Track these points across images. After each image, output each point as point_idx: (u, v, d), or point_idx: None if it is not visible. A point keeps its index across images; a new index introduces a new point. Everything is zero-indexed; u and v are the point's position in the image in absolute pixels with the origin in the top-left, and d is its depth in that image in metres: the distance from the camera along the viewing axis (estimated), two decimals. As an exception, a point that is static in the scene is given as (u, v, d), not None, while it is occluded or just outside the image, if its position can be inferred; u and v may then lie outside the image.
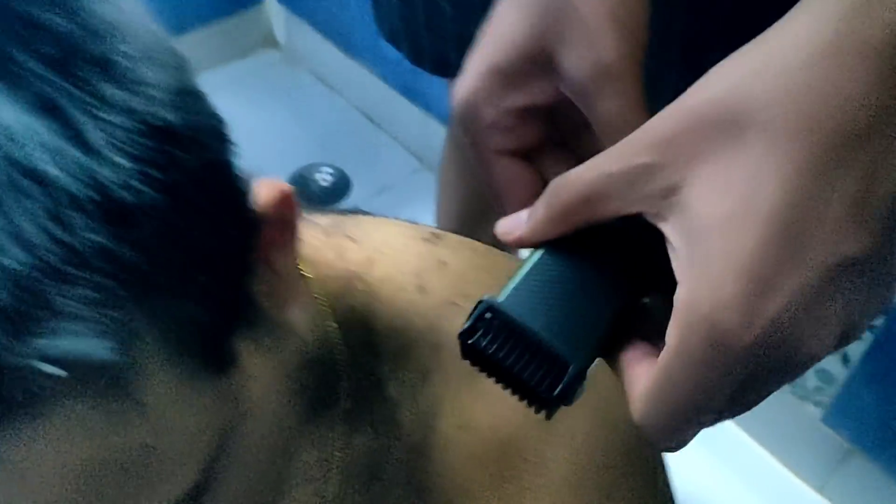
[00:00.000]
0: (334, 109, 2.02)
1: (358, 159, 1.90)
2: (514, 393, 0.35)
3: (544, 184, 0.41)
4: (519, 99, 0.39)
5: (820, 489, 1.41)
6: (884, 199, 0.28)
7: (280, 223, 0.37)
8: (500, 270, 0.51)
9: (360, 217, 0.53)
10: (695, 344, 0.29)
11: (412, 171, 1.90)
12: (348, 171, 1.86)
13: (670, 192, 0.31)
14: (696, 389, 0.30)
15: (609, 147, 0.37)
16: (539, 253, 0.36)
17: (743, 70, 0.30)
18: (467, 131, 0.41)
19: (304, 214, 0.51)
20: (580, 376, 0.33)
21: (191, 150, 0.31)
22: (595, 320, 0.35)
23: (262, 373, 0.37)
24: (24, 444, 0.27)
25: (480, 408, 0.47)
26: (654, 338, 0.35)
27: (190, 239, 0.30)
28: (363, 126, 1.99)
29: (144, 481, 0.31)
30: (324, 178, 1.85)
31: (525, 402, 0.35)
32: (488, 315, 0.34)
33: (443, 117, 1.76)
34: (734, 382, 0.30)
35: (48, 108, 0.27)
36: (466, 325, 0.34)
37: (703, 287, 0.29)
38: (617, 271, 0.35)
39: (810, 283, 0.28)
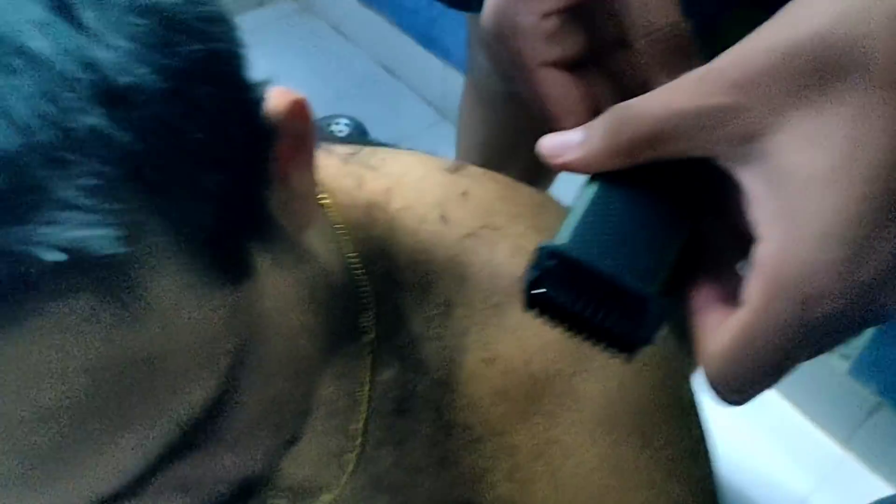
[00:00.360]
0: (351, 60, 2.00)
1: (375, 110, 1.88)
2: (588, 338, 0.33)
3: (592, 99, 0.38)
4: (554, 1, 0.37)
5: (846, 442, 1.40)
6: None
7: (294, 136, 0.35)
8: (525, 201, 0.49)
9: (378, 148, 0.51)
10: (781, 308, 0.28)
11: (430, 122, 1.88)
12: (365, 123, 1.84)
13: (751, 137, 0.28)
14: (778, 352, 0.29)
15: (641, 40, 0.34)
16: (592, 188, 0.34)
17: (845, 3, 0.27)
18: (506, 43, 0.38)
19: (322, 144, 0.50)
20: (660, 312, 0.31)
21: (190, 35, 0.29)
22: (662, 253, 0.32)
23: (280, 290, 0.35)
24: (25, 339, 0.25)
25: (509, 341, 0.46)
26: (718, 269, 0.33)
27: (192, 132, 0.29)
28: (381, 77, 1.97)
29: (156, 392, 0.29)
30: (340, 129, 1.83)
31: (602, 346, 0.33)
32: (551, 262, 0.32)
33: (462, 67, 1.73)
34: (815, 343, 0.29)
35: None
36: (531, 276, 0.32)
37: (795, 249, 0.27)
38: (675, 199, 0.33)
39: None
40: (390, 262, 0.47)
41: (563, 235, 0.32)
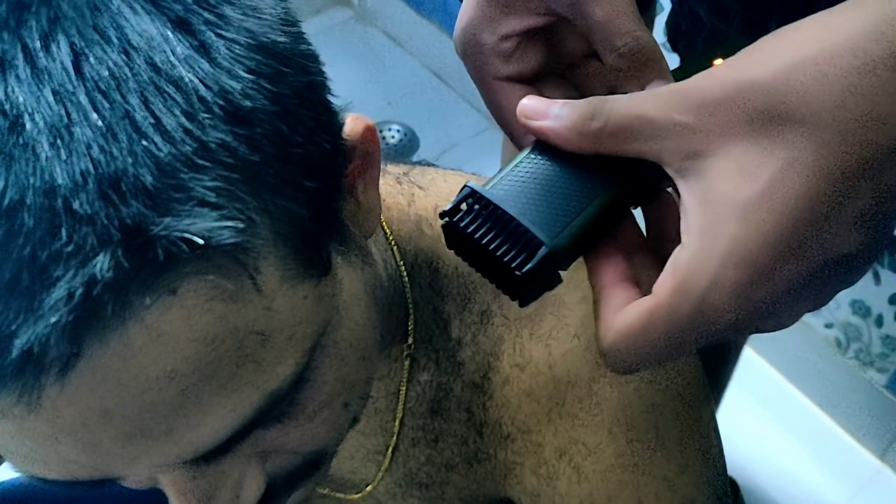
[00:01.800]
0: (404, 67, 2.04)
1: (426, 117, 1.92)
2: (494, 281, 0.37)
3: None
4: (514, 24, 0.40)
5: (882, 455, 1.40)
6: (887, 211, 0.30)
7: (364, 155, 0.40)
8: None
9: (428, 168, 0.56)
10: (683, 309, 0.32)
11: (479, 129, 1.91)
12: (416, 129, 1.89)
13: (696, 155, 0.32)
14: (671, 344, 0.33)
15: (609, 55, 0.37)
16: (530, 149, 0.37)
17: (799, 54, 0.30)
18: (469, 59, 0.42)
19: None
20: (552, 257, 0.34)
21: (294, 68, 0.35)
22: (575, 212, 0.35)
23: (350, 286, 0.40)
24: (163, 312, 0.31)
25: (538, 348, 0.49)
26: (632, 249, 0.37)
27: (294, 146, 0.34)
28: (432, 84, 2.01)
29: (258, 362, 0.34)
30: (392, 135, 1.88)
31: (505, 291, 0.36)
32: (470, 200, 0.36)
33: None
34: (702, 340, 0.33)
35: (181, 24, 0.32)
36: (448, 207, 0.36)
37: (706, 263, 0.31)
38: (606, 175, 0.36)
39: (801, 275, 0.31)
40: (435, 273, 0.50)
41: (490, 181, 0.36)
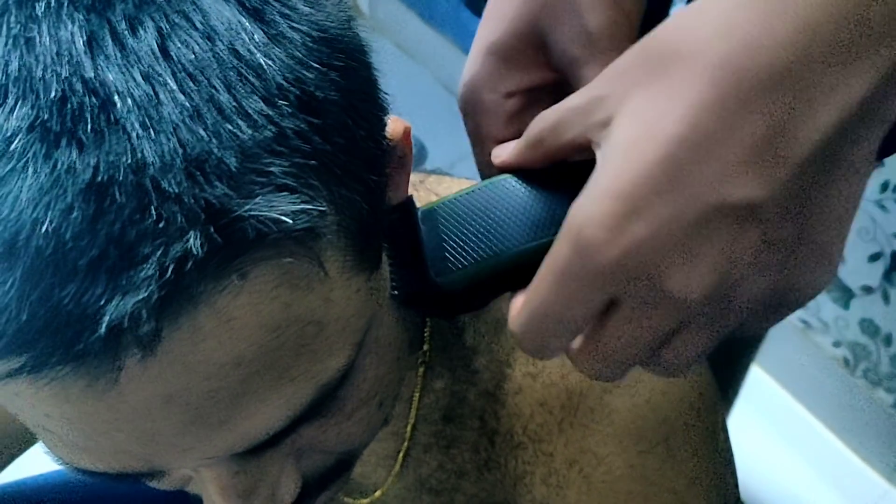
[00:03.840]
0: (414, 79, 2.05)
1: (435, 129, 1.92)
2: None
3: None
4: (517, 81, 0.40)
5: (889, 476, 1.39)
6: (793, 152, 0.28)
7: (401, 157, 0.41)
8: None
9: (444, 177, 0.56)
10: (562, 254, 0.31)
11: (488, 142, 1.92)
12: (425, 141, 1.89)
13: (607, 122, 0.32)
14: (559, 297, 0.32)
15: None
16: (494, 179, 0.38)
17: (691, 7, 0.31)
18: (468, 118, 0.42)
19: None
20: (437, 289, 0.37)
21: (358, 62, 0.35)
22: (499, 252, 0.37)
23: (389, 283, 0.40)
24: (233, 297, 0.31)
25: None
26: None
27: (358, 139, 0.35)
28: (442, 96, 2.01)
29: (312, 352, 0.34)
30: (401, 146, 1.88)
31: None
32: (399, 214, 0.38)
33: (521, 90, 1.76)
34: (599, 298, 0.31)
35: (257, 14, 0.32)
36: (387, 218, 0.39)
37: (583, 202, 0.31)
38: (542, 225, 0.36)
39: (684, 216, 0.29)
40: None
41: (443, 198, 0.39)
